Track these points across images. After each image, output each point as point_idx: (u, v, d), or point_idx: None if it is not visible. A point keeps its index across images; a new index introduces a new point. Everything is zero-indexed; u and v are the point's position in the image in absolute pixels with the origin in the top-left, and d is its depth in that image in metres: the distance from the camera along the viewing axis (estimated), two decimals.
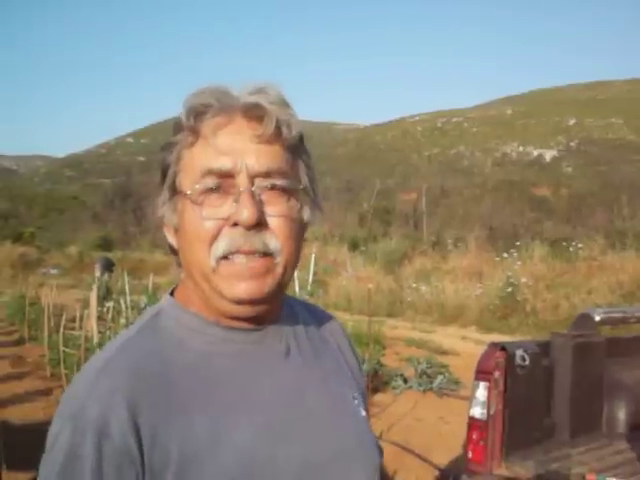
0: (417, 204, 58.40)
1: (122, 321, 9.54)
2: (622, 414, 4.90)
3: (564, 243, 20.47)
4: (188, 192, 1.08)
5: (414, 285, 20.66)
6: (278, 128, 1.10)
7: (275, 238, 1.09)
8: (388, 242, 27.47)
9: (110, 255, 34.62)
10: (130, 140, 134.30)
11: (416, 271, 22.44)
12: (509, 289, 17.23)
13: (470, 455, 4.16)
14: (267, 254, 1.09)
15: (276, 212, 1.10)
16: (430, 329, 16.86)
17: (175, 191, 1.12)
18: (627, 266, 17.03)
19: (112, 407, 0.99)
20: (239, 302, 1.09)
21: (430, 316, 18.70)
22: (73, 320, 11.34)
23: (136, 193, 70.74)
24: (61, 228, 55.68)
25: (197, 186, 1.08)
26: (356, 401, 1.25)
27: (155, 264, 32.87)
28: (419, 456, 6.71)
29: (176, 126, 1.13)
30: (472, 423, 4.18)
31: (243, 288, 1.08)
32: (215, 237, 1.08)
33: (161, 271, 27.83)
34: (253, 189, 1.07)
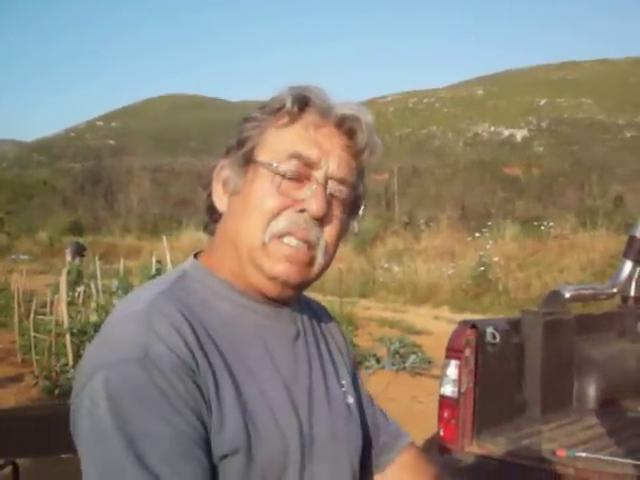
0: (389, 184, 58.57)
1: (93, 305, 9.46)
2: (592, 390, 4.94)
3: (535, 222, 20.67)
4: (274, 164, 1.14)
5: (386, 265, 20.71)
6: (364, 148, 1.21)
7: (325, 238, 1.18)
8: (360, 222, 27.42)
9: (81, 240, 34.23)
10: (100, 124, 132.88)
11: (388, 251, 22.47)
12: (481, 268, 17.35)
13: (442, 433, 4.16)
14: (313, 249, 1.16)
15: (335, 216, 1.19)
16: (403, 309, 16.90)
17: (249, 160, 1.17)
18: (598, 244, 17.18)
19: (175, 343, 1.03)
20: (274, 279, 1.15)
21: (402, 296, 18.73)
22: (44, 305, 11.24)
23: (106, 177, 70.25)
24: (31, 213, 54.96)
25: (285, 164, 1.14)
26: (344, 389, 1.32)
27: (126, 248, 32.65)
28: None
29: (268, 107, 1.19)
30: (443, 401, 4.18)
31: (283, 268, 1.14)
32: (276, 215, 1.13)
33: (132, 255, 27.68)
34: (328, 188, 1.16)
